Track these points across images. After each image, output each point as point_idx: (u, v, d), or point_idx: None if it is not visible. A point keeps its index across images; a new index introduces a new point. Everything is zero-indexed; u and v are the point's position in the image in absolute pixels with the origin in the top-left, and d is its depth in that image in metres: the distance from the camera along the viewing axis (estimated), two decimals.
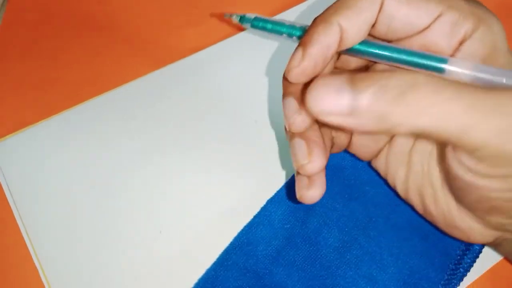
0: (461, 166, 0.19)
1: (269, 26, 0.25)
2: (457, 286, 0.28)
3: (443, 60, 0.21)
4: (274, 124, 0.34)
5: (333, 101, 0.17)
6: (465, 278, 0.28)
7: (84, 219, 0.31)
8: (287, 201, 0.30)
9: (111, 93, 0.35)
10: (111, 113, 0.34)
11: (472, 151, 0.18)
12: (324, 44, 0.21)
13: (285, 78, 0.23)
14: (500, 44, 0.22)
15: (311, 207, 0.30)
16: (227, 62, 0.37)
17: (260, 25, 0.25)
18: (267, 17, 0.25)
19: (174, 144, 0.33)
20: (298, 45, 0.22)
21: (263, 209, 0.30)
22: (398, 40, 0.23)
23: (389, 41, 0.23)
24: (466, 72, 0.21)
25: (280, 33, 0.24)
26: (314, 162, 0.21)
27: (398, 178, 0.27)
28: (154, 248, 0.30)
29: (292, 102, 0.22)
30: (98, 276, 0.29)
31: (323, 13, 0.22)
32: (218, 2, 0.40)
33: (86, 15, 0.40)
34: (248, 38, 0.38)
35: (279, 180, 0.32)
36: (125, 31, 0.39)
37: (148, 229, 0.30)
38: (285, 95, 0.23)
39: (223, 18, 0.28)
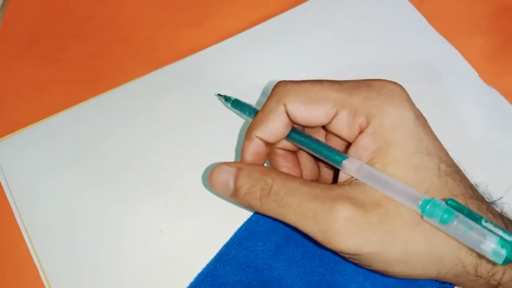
0: None
1: (239, 107, 0.32)
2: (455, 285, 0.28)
3: (341, 157, 0.25)
4: None
5: (222, 188, 0.26)
6: None
7: (84, 219, 0.31)
8: None
9: (111, 93, 0.35)
10: (111, 113, 0.35)
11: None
12: (253, 152, 0.27)
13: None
14: (393, 137, 0.24)
15: None
16: (227, 62, 0.37)
17: (236, 106, 0.32)
18: (242, 101, 0.32)
19: (174, 144, 0.33)
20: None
21: None
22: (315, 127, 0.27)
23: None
24: (351, 170, 0.24)
25: (245, 113, 0.31)
26: None
27: None
28: (154, 248, 0.30)
29: None
30: (98, 276, 0.29)
31: (247, 130, 0.27)
32: (218, 2, 0.40)
33: (86, 15, 0.40)
34: (248, 39, 0.38)
35: None
36: (125, 31, 0.39)
37: (148, 229, 0.30)
38: None
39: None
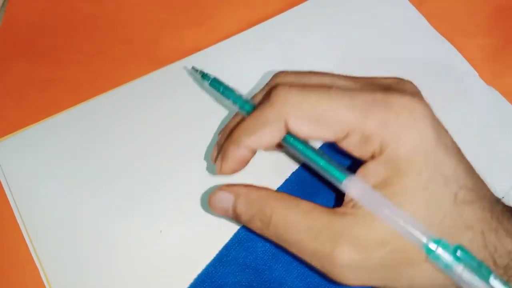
0: None
1: (221, 89, 0.28)
2: None
3: (341, 176, 0.23)
4: None
5: (222, 214, 0.25)
6: None
7: (84, 219, 0.31)
8: None
9: (111, 93, 0.35)
10: (111, 113, 0.35)
11: None
12: (236, 160, 0.25)
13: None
14: (408, 166, 0.22)
15: None
16: (227, 62, 0.37)
17: (215, 86, 0.29)
18: (223, 82, 0.28)
19: (174, 144, 0.33)
20: (221, 154, 0.26)
21: None
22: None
23: None
24: (354, 192, 0.23)
25: (228, 98, 0.28)
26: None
27: None
28: (154, 248, 0.30)
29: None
30: (99, 276, 0.29)
31: (235, 133, 0.25)
32: (218, 2, 0.40)
33: (86, 15, 0.40)
34: (248, 39, 0.38)
35: (279, 177, 0.32)
36: (125, 31, 0.39)
37: (148, 229, 0.30)
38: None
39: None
